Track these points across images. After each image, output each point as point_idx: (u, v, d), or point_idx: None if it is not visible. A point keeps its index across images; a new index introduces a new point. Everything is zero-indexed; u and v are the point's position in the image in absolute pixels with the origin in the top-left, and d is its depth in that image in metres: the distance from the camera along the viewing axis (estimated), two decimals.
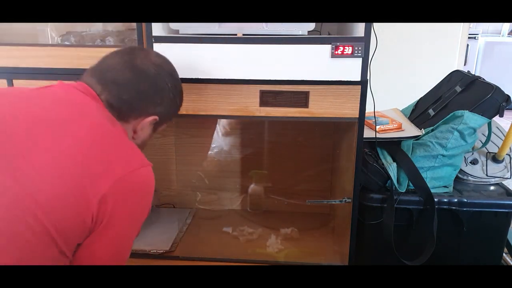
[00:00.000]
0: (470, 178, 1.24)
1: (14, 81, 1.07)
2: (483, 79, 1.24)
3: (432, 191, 1.11)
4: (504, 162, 1.24)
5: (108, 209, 0.68)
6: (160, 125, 0.90)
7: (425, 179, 1.13)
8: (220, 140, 1.47)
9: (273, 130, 1.44)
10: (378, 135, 1.19)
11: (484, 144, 1.23)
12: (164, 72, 0.84)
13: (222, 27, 1.01)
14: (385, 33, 1.86)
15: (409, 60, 1.93)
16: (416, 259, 1.10)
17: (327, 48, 0.96)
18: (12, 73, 1.07)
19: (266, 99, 1.02)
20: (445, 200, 1.13)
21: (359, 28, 0.96)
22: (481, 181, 1.24)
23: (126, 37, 1.17)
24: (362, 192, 1.14)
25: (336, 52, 0.96)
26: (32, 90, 0.77)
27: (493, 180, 1.24)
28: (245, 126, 1.45)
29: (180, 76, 1.01)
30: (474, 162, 1.24)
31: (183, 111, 1.04)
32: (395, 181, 1.14)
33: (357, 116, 1.01)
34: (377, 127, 1.21)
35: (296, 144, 1.43)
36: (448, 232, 1.15)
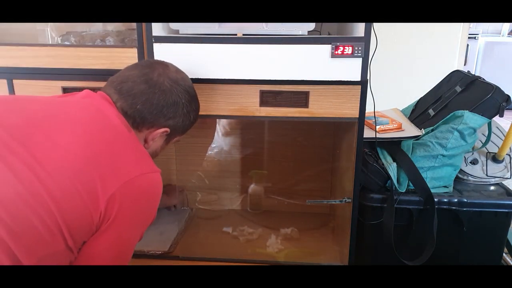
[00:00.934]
0: (470, 178, 1.24)
1: (14, 81, 1.07)
2: (483, 79, 1.24)
3: (432, 191, 1.11)
4: (504, 162, 1.24)
5: (114, 209, 0.70)
6: (172, 138, 0.92)
7: (425, 179, 1.13)
8: (220, 140, 1.47)
9: (273, 130, 1.44)
10: (378, 135, 1.19)
11: (484, 144, 1.23)
12: (180, 88, 0.86)
13: (222, 27, 1.01)
14: (385, 33, 1.87)
15: (409, 60, 1.94)
16: (416, 259, 1.10)
17: (327, 48, 0.96)
18: (12, 73, 1.07)
19: (266, 99, 1.02)
20: (445, 200, 1.13)
21: (359, 28, 0.96)
22: (481, 181, 1.24)
23: (126, 37, 1.17)
24: (362, 192, 1.14)
25: (336, 52, 0.96)
26: (59, 97, 0.83)
27: (493, 180, 1.24)
28: (245, 126, 1.45)
29: None
30: (474, 162, 1.24)
31: None
32: (395, 181, 1.14)
33: (357, 116, 1.01)
34: (377, 127, 1.21)
35: (296, 144, 1.43)
36: (448, 232, 1.15)
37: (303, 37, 0.99)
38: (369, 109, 1.04)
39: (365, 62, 0.97)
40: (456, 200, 1.13)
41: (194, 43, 0.98)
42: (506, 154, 1.23)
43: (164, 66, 0.87)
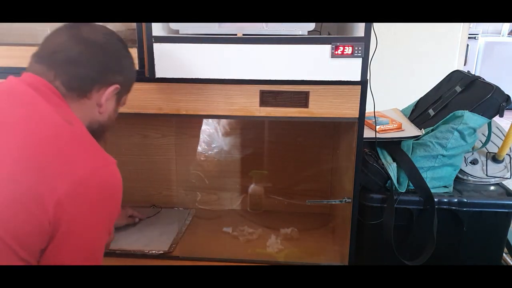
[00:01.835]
0: (470, 178, 1.24)
1: None
2: (483, 79, 1.24)
3: (432, 191, 1.11)
4: (504, 162, 1.24)
5: (65, 214, 0.64)
6: (122, 96, 0.87)
7: (425, 179, 1.13)
8: (220, 140, 1.47)
9: (273, 130, 1.43)
10: (378, 135, 1.19)
11: (484, 144, 1.23)
12: (114, 39, 0.82)
13: (222, 27, 1.01)
14: (385, 33, 1.87)
15: (409, 60, 1.94)
16: (416, 259, 1.10)
17: (327, 48, 0.96)
18: (12, 73, 1.06)
19: (266, 99, 1.02)
20: (445, 200, 1.13)
21: (359, 28, 0.96)
22: (481, 181, 1.24)
23: (126, 37, 1.17)
24: (362, 192, 1.14)
25: (336, 52, 0.96)
26: None
27: (493, 180, 1.24)
28: (245, 126, 1.45)
29: (180, 76, 1.01)
30: (474, 162, 1.24)
31: (183, 111, 1.04)
32: (395, 181, 1.14)
33: (357, 116, 1.01)
34: (377, 127, 1.21)
35: (296, 144, 1.43)
36: (448, 232, 1.15)
37: (303, 37, 0.99)
38: (369, 109, 1.04)
39: (365, 62, 0.97)
40: (456, 200, 1.13)
41: (194, 43, 0.98)
42: (506, 154, 1.23)
43: (88, 24, 0.80)
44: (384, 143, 1.22)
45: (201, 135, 1.47)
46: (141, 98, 1.04)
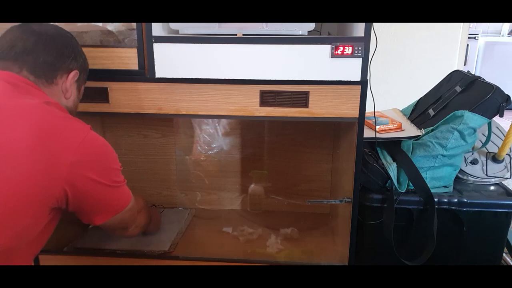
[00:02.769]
0: (470, 178, 1.24)
1: None
2: (483, 79, 1.24)
3: (432, 191, 1.11)
4: (504, 162, 1.24)
5: (78, 180, 0.76)
6: (81, 83, 0.95)
7: (425, 179, 1.13)
8: (220, 140, 1.47)
9: (273, 130, 1.44)
10: (378, 135, 1.19)
11: (484, 144, 1.23)
12: (62, 30, 0.89)
13: (222, 27, 1.01)
14: (385, 33, 1.87)
15: (409, 60, 1.93)
16: (416, 259, 1.10)
17: (327, 48, 0.96)
18: None
19: (266, 99, 1.02)
20: (445, 200, 1.13)
21: (359, 28, 0.96)
22: (481, 181, 1.24)
23: (126, 37, 1.17)
24: (362, 192, 1.14)
25: (336, 52, 0.96)
26: None
27: (493, 180, 1.24)
28: (245, 126, 1.45)
29: (180, 76, 1.02)
30: (474, 162, 1.24)
31: (183, 111, 1.04)
32: (395, 181, 1.14)
33: (357, 116, 1.01)
34: (377, 127, 1.21)
35: (296, 144, 1.43)
36: (448, 232, 1.15)
37: (303, 37, 0.99)
38: (369, 109, 1.04)
39: (365, 62, 0.97)
40: (456, 200, 1.13)
41: (194, 43, 0.98)
42: (506, 154, 1.23)
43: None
44: (384, 143, 1.22)
45: (201, 135, 1.47)
46: (141, 98, 1.04)
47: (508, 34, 4.45)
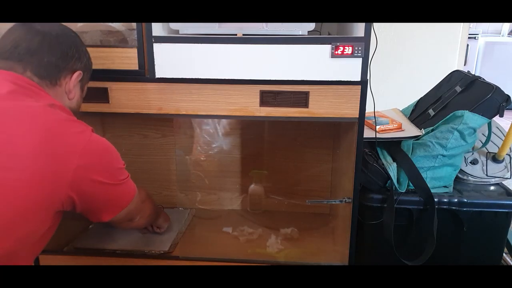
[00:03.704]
0: (470, 178, 1.24)
1: None
2: (483, 79, 1.24)
3: (432, 191, 1.11)
4: (504, 162, 1.24)
5: (84, 182, 0.76)
6: (84, 83, 0.94)
7: (425, 179, 1.13)
8: (220, 140, 1.47)
9: (273, 130, 1.44)
10: (378, 135, 1.19)
11: (484, 144, 1.23)
12: (66, 28, 0.88)
13: (222, 27, 1.01)
14: (385, 33, 1.87)
15: (409, 60, 1.93)
16: (416, 259, 1.10)
17: (327, 48, 0.96)
18: None
19: (266, 99, 1.02)
20: (445, 200, 1.13)
21: (359, 28, 0.96)
22: (481, 181, 1.24)
23: (126, 37, 1.17)
24: (362, 192, 1.14)
25: (336, 52, 0.96)
26: None
27: (493, 180, 1.24)
28: (245, 126, 1.45)
29: (180, 76, 1.02)
30: (474, 162, 1.24)
31: (182, 111, 1.04)
32: (395, 181, 1.14)
33: (357, 116, 1.01)
34: (377, 127, 1.21)
35: (296, 144, 1.43)
36: (448, 232, 1.15)
37: (303, 37, 0.99)
38: (369, 109, 1.04)
39: (365, 62, 0.97)
40: (456, 200, 1.13)
41: (194, 43, 0.98)
42: (506, 154, 1.23)
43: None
44: (384, 143, 1.22)
45: (201, 135, 1.47)
46: (141, 98, 1.04)
47: (508, 34, 4.45)
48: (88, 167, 0.76)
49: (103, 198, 0.83)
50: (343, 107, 1.01)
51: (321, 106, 1.01)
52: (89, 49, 1.03)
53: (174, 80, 1.02)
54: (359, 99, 1.00)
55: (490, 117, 1.14)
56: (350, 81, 0.99)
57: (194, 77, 1.01)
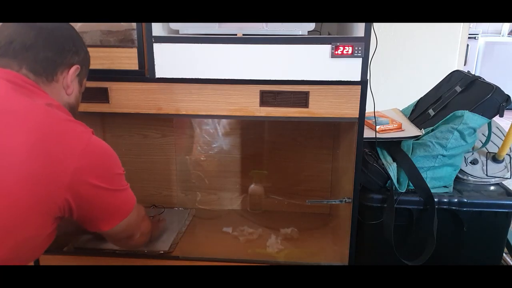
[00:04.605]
0: (470, 178, 1.24)
1: None
2: (483, 79, 1.24)
3: (432, 191, 1.11)
4: (504, 162, 1.24)
5: (81, 185, 0.73)
6: (82, 77, 0.91)
7: (425, 179, 1.13)
8: (220, 140, 1.47)
9: (273, 130, 1.44)
10: (378, 135, 1.19)
11: (484, 144, 1.23)
12: (63, 24, 0.85)
13: (222, 27, 1.01)
14: (385, 33, 1.87)
15: (409, 60, 1.93)
16: (416, 259, 1.10)
17: (327, 48, 0.96)
18: None
19: (266, 99, 1.02)
20: (445, 200, 1.13)
21: (359, 28, 0.96)
22: (481, 181, 1.24)
23: (126, 37, 1.17)
24: (362, 192, 1.14)
25: (336, 52, 0.96)
26: None
27: (493, 180, 1.24)
28: (245, 126, 1.45)
29: (180, 76, 1.02)
30: (474, 162, 1.24)
31: (182, 111, 1.04)
32: (395, 181, 1.14)
33: (357, 116, 1.01)
34: (377, 127, 1.21)
35: (296, 144, 1.43)
36: (448, 232, 1.15)
37: (303, 37, 0.99)
38: (369, 109, 1.04)
39: (365, 62, 0.97)
40: (456, 200, 1.13)
41: (194, 43, 0.98)
42: (506, 154, 1.23)
43: None
44: (384, 143, 1.22)
45: (201, 135, 1.47)
46: (141, 98, 1.04)
47: (508, 34, 4.45)
48: (86, 170, 0.73)
49: (100, 205, 0.79)
50: (343, 107, 1.01)
51: (321, 106, 1.01)
52: (89, 49, 1.03)
53: (174, 80, 1.02)
54: (359, 99, 1.00)
55: (490, 117, 1.14)
56: (350, 81, 0.99)
57: (194, 77, 1.01)
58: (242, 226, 1.35)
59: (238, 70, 1.00)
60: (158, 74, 1.01)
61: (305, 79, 0.99)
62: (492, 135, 1.22)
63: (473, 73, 1.32)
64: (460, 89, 1.25)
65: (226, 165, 1.49)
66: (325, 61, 0.97)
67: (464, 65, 2.04)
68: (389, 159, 1.17)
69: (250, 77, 1.00)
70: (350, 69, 0.97)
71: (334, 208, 1.40)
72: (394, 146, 1.20)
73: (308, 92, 1.00)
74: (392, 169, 1.14)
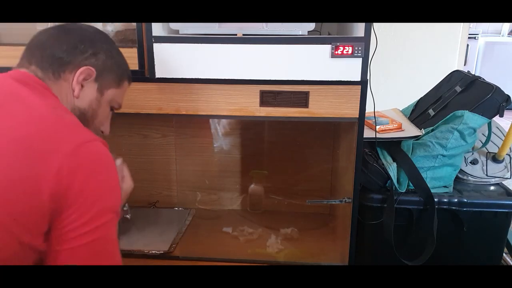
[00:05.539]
0: (470, 178, 1.24)
1: None
2: (483, 79, 1.24)
3: (432, 191, 1.11)
4: (504, 162, 1.24)
5: (64, 189, 0.64)
6: (105, 86, 0.84)
7: (425, 179, 1.13)
8: (220, 140, 1.47)
9: (273, 130, 1.44)
10: (378, 135, 1.19)
11: (484, 144, 1.23)
12: (90, 27, 0.84)
13: (222, 27, 1.01)
14: (385, 33, 1.87)
15: (409, 60, 1.93)
16: (416, 259, 1.10)
17: (327, 48, 0.96)
18: None
19: (266, 99, 1.02)
20: (445, 200, 1.13)
21: (359, 28, 0.96)
22: (481, 181, 1.24)
23: (126, 37, 1.17)
24: (362, 192, 1.14)
25: (336, 52, 0.96)
26: None
27: (493, 180, 1.24)
28: (245, 126, 1.45)
29: (180, 76, 1.02)
30: (474, 162, 1.24)
31: (183, 111, 1.04)
32: (395, 181, 1.14)
33: (357, 116, 1.01)
34: (377, 127, 1.21)
35: (296, 144, 1.43)
36: (448, 232, 1.15)
37: (303, 37, 0.99)
38: (369, 109, 1.04)
39: (365, 62, 0.97)
40: (456, 200, 1.13)
41: (194, 43, 0.98)
42: (506, 154, 1.23)
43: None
44: (384, 143, 1.22)
45: (201, 135, 1.47)
46: (141, 98, 1.04)
47: (508, 34, 4.45)
48: (72, 173, 0.64)
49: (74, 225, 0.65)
50: (343, 107, 1.01)
51: (321, 106, 1.01)
52: None
53: (174, 80, 1.02)
54: (359, 99, 1.00)
55: (490, 117, 1.14)
56: (350, 81, 0.99)
57: (194, 77, 1.01)
58: (242, 226, 1.35)
59: (238, 70, 1.00)
60: (158, 74, 1.01)
61: (305, 79, 0.99)
62: (492, 135, 1.22)
63: (473, 73, 1.32)
64: (460, 89, 1.25)
65: (226, 165, 1.49)
66: (325, 61, 0.97)
67: (464, 65, 2.04)
68: (389, 159, 1.17)
69: (250, 77, 1.00)
70: (350, 69, 0.97)
71: (334, 208, 1.40)
72: (394, 146, 1.20)
73: (308, 92, 1.00)
74: (392, 169, 1.14)
